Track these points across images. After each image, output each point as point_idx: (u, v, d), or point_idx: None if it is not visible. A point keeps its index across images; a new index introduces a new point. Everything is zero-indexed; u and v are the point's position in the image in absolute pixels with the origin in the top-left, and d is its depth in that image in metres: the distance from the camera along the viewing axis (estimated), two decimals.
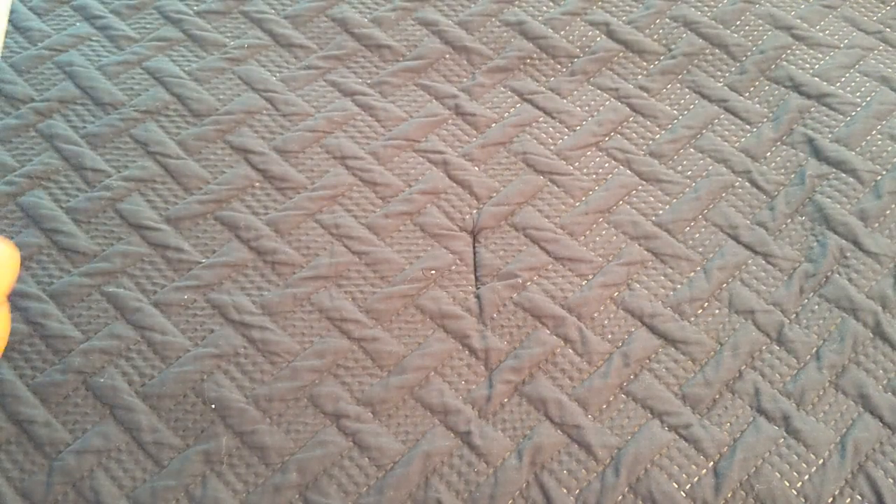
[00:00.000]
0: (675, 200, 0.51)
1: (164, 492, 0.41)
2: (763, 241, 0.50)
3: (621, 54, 0.58)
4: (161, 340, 0.45)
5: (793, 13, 0.60)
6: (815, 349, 0.46)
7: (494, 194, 0.52)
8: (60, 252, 0.48)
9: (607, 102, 0.56)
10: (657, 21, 0.60)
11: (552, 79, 0.57)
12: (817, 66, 0.57)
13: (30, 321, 0.46)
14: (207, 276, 0.48)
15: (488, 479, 0.42)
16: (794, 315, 0.47)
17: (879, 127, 0.54)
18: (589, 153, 0.54)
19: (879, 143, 0.53)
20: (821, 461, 0.43)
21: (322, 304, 0.47)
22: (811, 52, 0.58)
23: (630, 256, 0.49)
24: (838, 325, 0.47)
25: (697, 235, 0.50)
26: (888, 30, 0.59)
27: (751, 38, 0.59)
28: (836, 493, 0.42)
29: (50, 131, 0.53)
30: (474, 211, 0.51)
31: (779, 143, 0.54)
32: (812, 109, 0.55)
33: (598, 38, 0.58)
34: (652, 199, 0.51)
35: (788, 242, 0.50)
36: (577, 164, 0.53)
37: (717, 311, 0.47)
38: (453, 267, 0.49)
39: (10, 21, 0.58)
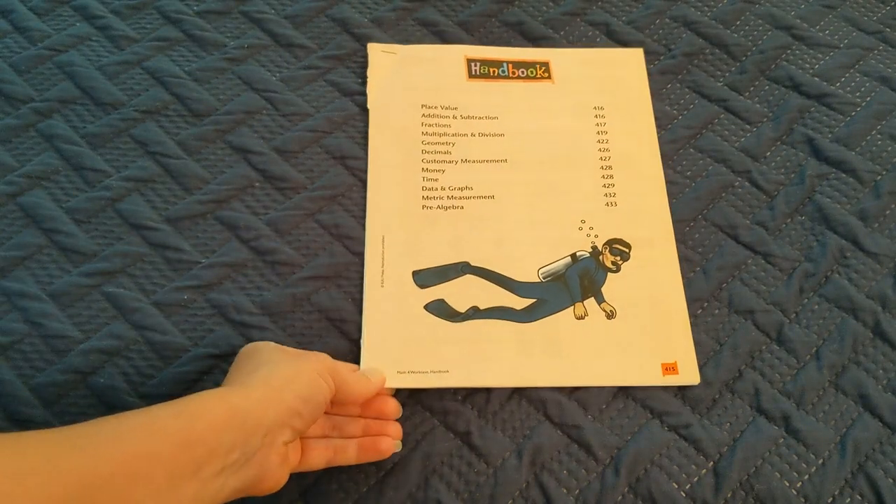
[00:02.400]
0: (674, 200, 0.51)
1: None
2: (763, 240, 0.50)
3: None
4: (161, 340, 0.45)
5: (793, 13, 0.60)
6: (815, 349, 0.46)
7: None
8: (60, 252, 0.48)
9: None
10: (657, 21, 0.60)
11: None
12: (817, 66, 0.57)
13: (30, 321, 0.46)
14: (207, 276, 0.48)
15: (488, 480, 0.42)
16: (794, 315, 0.47)
17: (879, 127, 0.54)
18: None
19: (879, 143, 0.53)
20: (821, 461, 0.43)
21: (321, 304, 0.47)
22: (811, 52, 0.58)
23: None
24: (838, 324, 0.47)
25: (697, 235, 0.50)
26: (888, 30, 0.59)
27: (751, 38, 0.59)
28: (836, 492, 0.42)
29: (50, 131, 0.53)
30: None
31: (779, 143, 0.54)
32: (812, 109, 0.55)
33: (598, 38, 0.58)
34: None
35: (788, 242, 0.50)
36: None
37: (716, 311, 0.47)
38: None
39: (9, 21, 0.58)
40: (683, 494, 0.42)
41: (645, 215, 0.50)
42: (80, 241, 0.49)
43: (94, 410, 0.43)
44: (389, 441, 0.41)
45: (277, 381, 0.37)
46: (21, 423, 0.43)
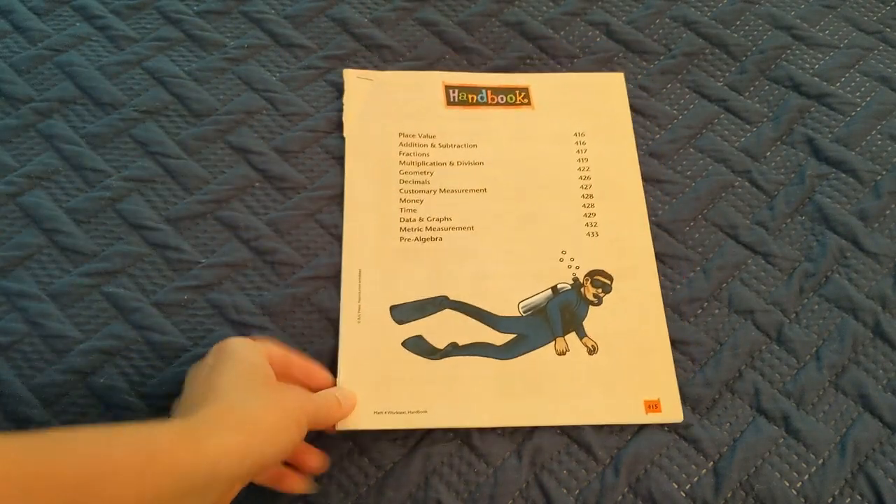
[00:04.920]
0: (674, 200, 0.51)
1: None
2: (763, 240, 0.50)
3: (621, 54, 0.58)
4: (161, 340, 0.45)
5: (793, 13, 0.60)
6: (815, 349, 0.46)
7: None
8: (60, 252, 0.48)
9: None
10: (657, 21, 0.59)
11: None
12: (817, 66, 0.57)
13: (30, 321, 0.46)
14: (207, 276, 0.48)
15: (488, 480, 0.42)
16: (794, 315, 0.47)
17: (879, 127, 0.54)
18: None
19: (879, 143, 0.53)
20: (821, 461, 0.43)
21: (321, 304, 0.47)
22: (811, 52, 0.58)
23: None
24: (838, 324, 0.47)
25: (697, 235, 0.50)
26: (888, 30, 0.59)
27: (751, 38, 0.59)
28: (836, 492, 0.42)
29: (50, 131, 0.53)
30: None
31: (779, 143, 0.54)
32: (812, 109, 0.55)
33: (598, 38, 0.58)
34: (652, 199, 0.51)
35: (788, 242, 0.50)
36: None
37: (716, 311, 0.47)
38: None
39: (9, 21, 0.58)
40: (683, 494, 0.42)
41: (627, 245, 0.49)
42: (80, 241, 0.49)
43: (93, 410, 0.43)
44: (301, 483, 0.40)
45: (251, 426, 0.33)
46: (21, 422, 0.43)
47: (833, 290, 0.48)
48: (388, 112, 0.54)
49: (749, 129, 0.54)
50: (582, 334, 0.46)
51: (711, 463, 0.43)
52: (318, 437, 0.42)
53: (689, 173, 0.53)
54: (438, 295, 0.47)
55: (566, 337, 0.46)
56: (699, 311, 0.47)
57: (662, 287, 0.48)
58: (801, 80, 0.56)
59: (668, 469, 0.42)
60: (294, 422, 0.35)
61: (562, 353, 0.45)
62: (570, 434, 0.43)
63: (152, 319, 0.46)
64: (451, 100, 0.54)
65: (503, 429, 0.43)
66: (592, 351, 0.45)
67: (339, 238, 0.49)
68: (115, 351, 0.45)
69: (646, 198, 0.51)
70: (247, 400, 0.34)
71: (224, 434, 0.32)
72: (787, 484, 0.42)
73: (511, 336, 0.46)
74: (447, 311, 0.46)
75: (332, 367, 0.44)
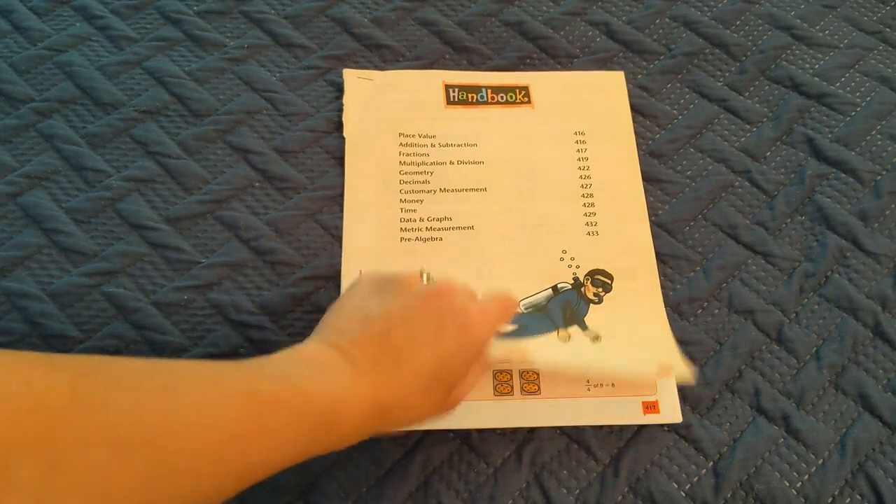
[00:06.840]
0: (674, 200, 0.51)
1: None
2: (763, 240, 0.50)
3: (621, 54, 0.58)
4: (160, 340, 0.45)
5: (793, 13, 0.60)
6: (815, 349, 0.46)
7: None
8: (60, 252, 0.48)
9: None
10: (657, 21, 0.59)
11: None
12: (817, 66, 0.57)
13: (29, 321, 0.46)
14: (207, 275, 0.48)
15: (488, 480, 0.42)
16: (794, 315, 0.47)
17: (879, 127, 0.54)
18: None
19: (879, 143, 0.53)
20: (821, 461, 0.43)
21: (321, 304, 0.47)
22: (811, 52, 0.58)
23: None
24: (838, 324, 0.47)
25: (697, 235, 0.50)
26: (888, 30, 0.59)
27: (751, 37, 0.59)
28: (836, 492, 0.42)
29: (50, 131, 0.53)
30: None
31: (779, 143, 0.54)
32: (812, 109, 0.55)
33: (598, 38, 0.58)
34: (652, 198, 0.51)
35: (788, 242, 0.50)
36: None
37: (716, 311, 0.47)
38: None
39: (9, 21, 0.58)
40: (683, 494, 0.42)
41: (627, 245, 0.49)
42: (80, 241, 0.49)
43: None
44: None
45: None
46: None
47: (833, 290, 0.48)
48: (388, 112, 0.54)
49: (749, 129, 0.54)
50: (584, 329, 0.46)
51: (711, 463, 0.43)
52: None
53: (689, 173, 0.53)
54: None
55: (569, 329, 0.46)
56: (699, 311, 0.47)
57: (662, 287, 0.48)
58: (801, 80, 0.56)
59: (668, 469, 0.42)
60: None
61: (566, 341, 0.45)
62: (570, 434, 0.43)
63: (152, 319, 0.46)
64: (451, 99, 0.54)
65: (503, 429, 0.44)
66: (596, 339, 0.46)
67: (339, 238, 0.49)
68: (115, 351, 0.45)
69: (646, 197, 0.51)
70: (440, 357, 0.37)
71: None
72: (787, 484, 0.42)
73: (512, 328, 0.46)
74: None
75: None
